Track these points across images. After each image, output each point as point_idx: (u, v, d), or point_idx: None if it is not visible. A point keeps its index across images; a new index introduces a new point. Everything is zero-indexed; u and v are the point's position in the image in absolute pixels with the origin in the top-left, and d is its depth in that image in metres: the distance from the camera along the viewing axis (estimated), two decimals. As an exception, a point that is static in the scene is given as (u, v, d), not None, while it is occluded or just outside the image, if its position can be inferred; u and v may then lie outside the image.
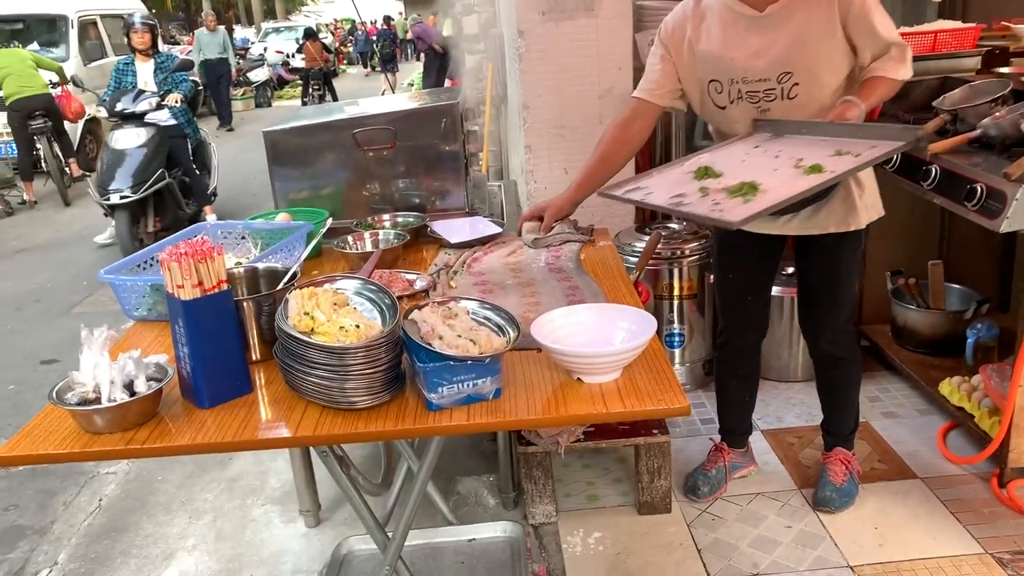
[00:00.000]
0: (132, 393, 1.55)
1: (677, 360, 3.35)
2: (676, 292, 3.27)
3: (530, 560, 2.30)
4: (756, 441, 3.01)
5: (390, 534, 1.89)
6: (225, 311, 1.61)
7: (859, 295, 3.58)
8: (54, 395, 1.55)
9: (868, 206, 2.34)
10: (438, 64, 13.21)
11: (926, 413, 3.14)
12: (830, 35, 2.13)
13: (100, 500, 3.11)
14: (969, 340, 3.03)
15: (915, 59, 3.25)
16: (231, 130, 13.57)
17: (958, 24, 3.41)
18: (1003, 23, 3.67)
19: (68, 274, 6.32)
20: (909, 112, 3.16)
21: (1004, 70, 3.11)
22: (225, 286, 1.60)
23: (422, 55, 15.04)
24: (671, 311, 3.29)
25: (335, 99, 15.93)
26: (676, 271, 3.24)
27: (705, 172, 2.02)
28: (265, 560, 2.65)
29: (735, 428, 2.81)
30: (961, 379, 2.96)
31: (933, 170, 2.68)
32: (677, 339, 3.32)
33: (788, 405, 3.27)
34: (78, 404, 1.53)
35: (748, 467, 2.85)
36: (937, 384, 3.03)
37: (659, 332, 3.29)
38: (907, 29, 3.41)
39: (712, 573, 2.40)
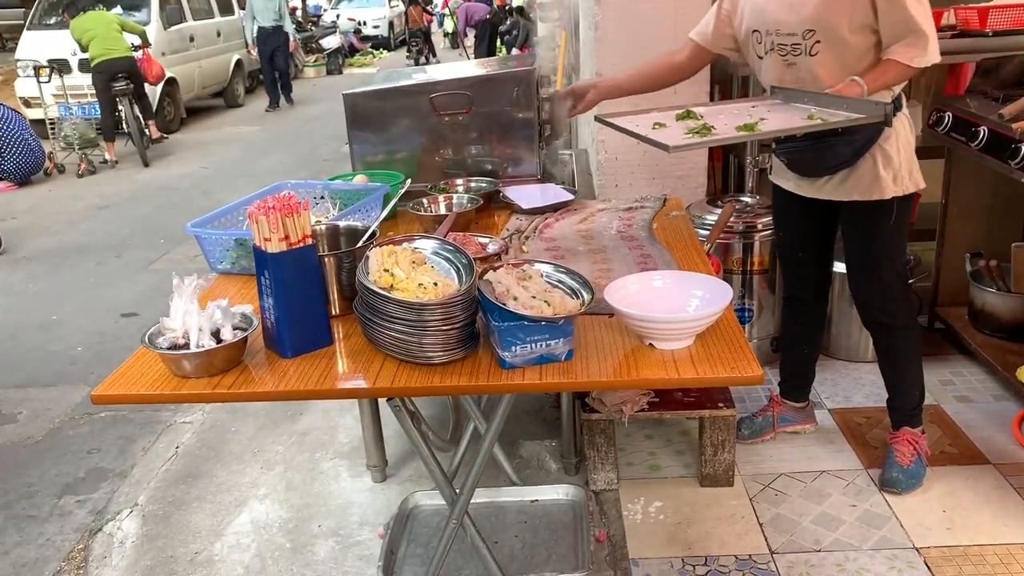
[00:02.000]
0: (219, 340, 1.62)
1: (745, 335, 3.32)
2: (746, 267, 3.24)
3: (592, 524, 2.33)
4: (823, 419, 2.98)
5: (457, 490, 1.94)
6: (309, 265, 1.66)
7: (935, 276, 3.51)
8: (146, 339, 1.63)
9: (894, 178, 2.33)
10: (488, 35, 13.30)
11: (1001, 399, 3.07)
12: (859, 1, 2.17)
13: (177, 447, 3.24)
14: (1051, 326, 2.94)
15: (1007, 33, 3.19)
16: (292, 104, 12.66)
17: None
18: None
19: (146, 231, 6.53)
20: (1000, 88, 3.07)
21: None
22: (310, 241, 1.65)
23: (467, 31, 14.96)
24: (741, 286, 3.26)
25: (434, 55, 18.44)
26: (747, 246, 3.21)
27: (687, 114, 2.28)
28: (333, 511, 2.74)
29: (788, 379, 2.92)
30: (1040, 366, 2.88)
31: (1022, 148, 2.59)
32: (746, 314, 3.29)
33: (857, 385, 3.22)
34: (168, 348, 1.61)
35: (803, 424, 2.92)
36: (1015, 370, 2.95)
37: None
38: (1000, 2, 3.29)
39: (773, 547, 2.40)
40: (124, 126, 8.92)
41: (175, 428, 3.40)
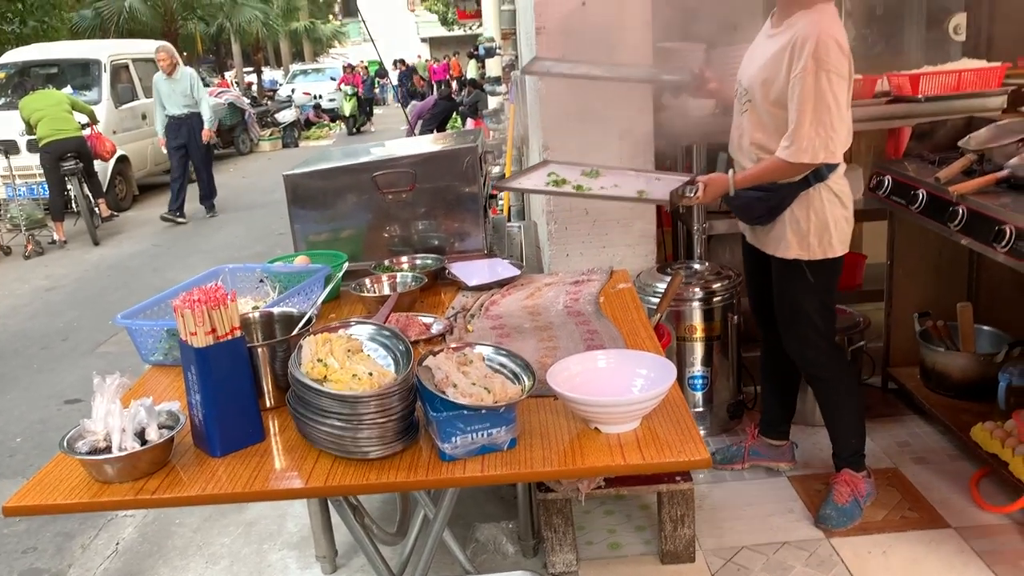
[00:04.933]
0: (144, 441, 1.54)
1: (701, 403, 3.29)
2: (699, 334, 3.22)
3: (549, 611, 2.24)
4: (782, 488, 2.94)
5: (405, 585, 1.85)
6: (238, 358, 1.60)
7: (886, 337, 3.52)
8: (65, 444, 1.54)
9: (799, 243, 2.51)
10: (443, 114, 13.41)
11: (957, 459, 3.05)
12: (783, 71, 2.37)
13: (117, 544, 3.09)
14: (1001, 384, 2.94)
15: (939, 99, 3.28)
16: (213, 214, 9.89)
17: (983, 63, 3.38)
18: (1027, 59, 3.64)
19: (95, 313, 6.37)
20: (935, 152, 3.13)
21: (1031, 109, 3.07)
22: (239, 333, 1.59)
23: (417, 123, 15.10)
24: (694, 353, 3.24)
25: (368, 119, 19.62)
26: (699, 312, 3.20)
27: (592, 173, 2.76)
28: (280, 607, 2.61)
29: (764, 414, 3.04)
30: (994, 424, 2.88)
31: (960, 211, 2.63)
32: (700, 382, 3.26)
33: (815, 450, 3.19)
34: (88, 453, 1.52)
35: (776, 462, 3.02)
36: (969, 429, 2.95)
37: (681, 375, 3.28)
38: (931, 68, 3.39)
39: (737, 626, 2.33)
40: (73, 205, 8.80)
41: (116, 523, 3.25)
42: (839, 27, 2.38)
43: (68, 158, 8.55)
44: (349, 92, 18.91)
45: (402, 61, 25.35)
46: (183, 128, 9.41)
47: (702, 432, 3.30)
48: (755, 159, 2.54)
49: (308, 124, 19.41)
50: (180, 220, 9.54)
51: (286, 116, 17.68)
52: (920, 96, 3.27)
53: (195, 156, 9.62)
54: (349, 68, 21.00)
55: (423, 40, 43.31)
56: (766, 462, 3.03)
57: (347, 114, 19.03)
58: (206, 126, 9.48)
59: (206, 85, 20.38)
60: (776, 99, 2.40)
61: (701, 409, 3.30)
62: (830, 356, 2.68)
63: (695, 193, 2.50)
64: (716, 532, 2.74)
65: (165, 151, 9.71)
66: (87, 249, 8.60)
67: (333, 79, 21.77)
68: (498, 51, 5.62)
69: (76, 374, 5.06)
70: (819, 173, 2.45)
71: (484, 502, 3.01)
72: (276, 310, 1.94)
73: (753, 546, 2.66)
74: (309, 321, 1.83)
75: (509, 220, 4.63)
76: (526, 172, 2.79)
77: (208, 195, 10.02)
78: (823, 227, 2.49)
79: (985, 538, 2.60)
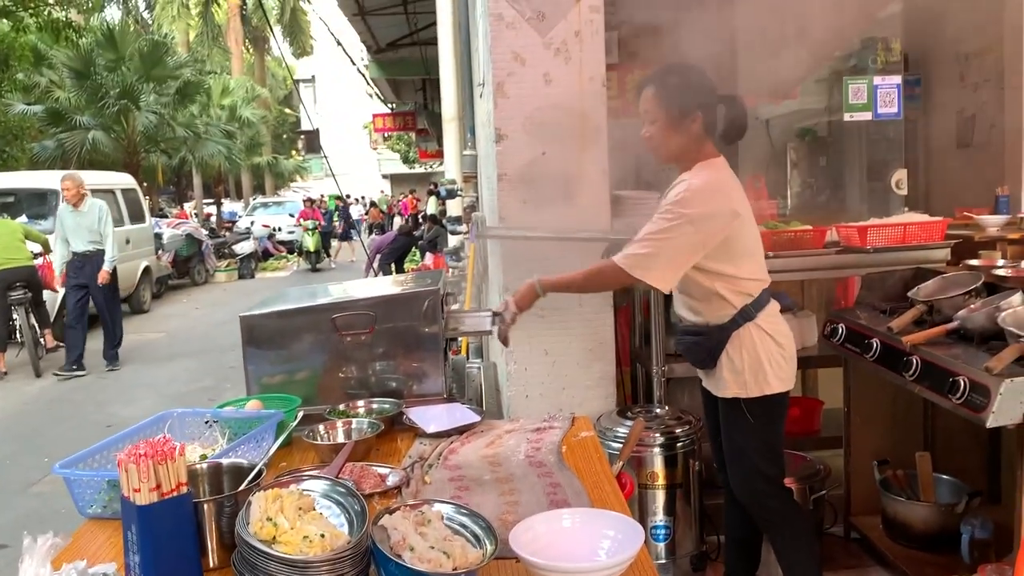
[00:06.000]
0: (73, 609, 1.42)
1: (663, 555, 3.19)
2: (661, 480, 3.16)
3: None
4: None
5: None
6: (183, 516, 1.51)
7: (846, 485, 3.50)
8: (-15, 612, 1.41)
9: (735, 380, 2.57)
10: (402, 249, 13.63)
11: (926, 614, 2.98)
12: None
13: None
14: (964, 537, 2.90)
15: (886, 250, 3.39)
16: (115, 367, 8.65)
17: (925, 216, 3.53)
18: (965, 212, 3.82)
19: (30, 449, 6.09)
20: (884, 301, 3.21)
21: (974, 262, 3.19)
22: (184, 489, 1.51)
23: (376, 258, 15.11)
24: (656, 501, 3.17)
25: (328, 255, 19.35)
26: (661, 459, 3.15)
27: None
28: None
29: (727, 565, 3.01)
30: (960, 579, 2.83)
31: (914, 361, 2.67)
32: (663, 532, 3.17)
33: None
34: (10, 624, 1.39)
35: None
36: (935, 583, 2.89)
37: (643, 524, 3.18)
38: (877, 221, 3.53)
39: None
40: (18, 336, 8.58)
41: None
42: (715, 177, 2.52)
43: (17, 287, 8.41)
44: (310, 227, 18.58)
45: (337, 197, 24.45)
46: (87, 267, 8.34)
47: (666, 586, 3.20)
48: (688, 308, 2.67)
49: (266, 255, 19.50)
50: (79, 373, 8.39)
51: (244, 248, 17.79)
52: (869, 247, 3.38)
53: (97, 298, 8.48)
54: (309, 203, 20.85)
55: (384, 176, 44.47)
56: None
57: (311, 249, 18.49)
58: (105, 266, 8.32)
59: (164, 216, 20.59)
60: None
61: (664, 561, 3.19)
62: (777, 498, 2.68)
63: (506, 311, 2.64)
64: None
65: (60, 291, 8.72)
66: (29, 380, 8.33)
67: (292, 215, 21.77)
68: (459, 192, 5.74)
69: (7, 516, 4.77)
70: (746, 313, 2.54)
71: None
72: (225, 461, 1.85)
73: None
74: (259, 474, 1.74)
75: (468, 359, 4.60)
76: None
77: (112, 343, 8.75)
78: (757, 365, 2.54)
79: None
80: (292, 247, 20.29)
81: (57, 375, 8.33)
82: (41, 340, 8.80)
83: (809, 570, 2.68)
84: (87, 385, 8.13)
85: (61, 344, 9.68)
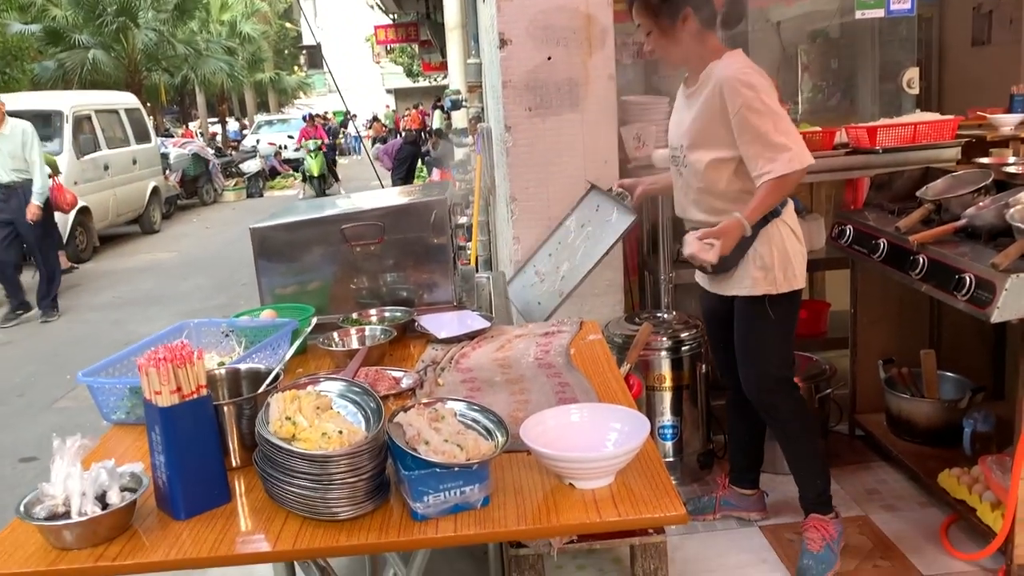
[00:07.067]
0: (104, 505, 1.49)
1: (671, 453, 3.28)
2: (668, 383, 3.22)
3: (523, 672, 2.19)
4: (754, 537, 2.92)
5: (375, 649, 1.80)
6: (204, 418, 1.56)
7: (852, 384, 3.56)
8: (21, 508, 1.48)
9: (765, 277, 2.55)
10: (409, 159, 13.50)
11: (927, 506, 3.07)
12: (715, 120, 2.47)
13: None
14: (966, 430, 2.98)
15: (896, 150, 3.36)
16: (51, 318, 7.61)
17: (936, 116, 3.48)
18: (978, 112, 3.76)
19: (52, 367, 6.23)
20: (893, 202, 3.20)
21: (984, 160, 3.16)
22: (204, 391, 1.56)
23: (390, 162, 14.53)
24: (663, 403, 3.24)
25: (336, 179, 17.27)
26: (668, 361, 3.21)
27: None
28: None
29: (732, 464, 3.06)
30: (961, 471, 2.90)
31: (920, 260, 2.68)
32: (670, 432, 3.25)
33: (784, 499, 3.18)
34: (47, 518, 1.46)
35: (748, 512, 3.02)
36: (936, 476, 2.97)
37: (651, 425, 3.24)
38: (887, 121, 3.48)
39: None
40: (31, 258, 8.64)
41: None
42: (753, 64, 2.50)
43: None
44: (312, 147, 16.24)
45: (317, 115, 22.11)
46: (12, 199, 7.14)
47: (674, 482, 3.30)
48: (707, 207, 2.62)
49: (273, 174, 19.34)
50: (18, 313, 7.55)
51: (251, 166, 17.65)
52: (878, 148, 3.35)
53: (27, 237, 7.33)
54: (310, 119, 18.76)
55: (388, 91, 43.77)
56: (737, 512, 3.02)
57: (315, 173, 16.05)
58: (33, 199, 7.09)
59: (169, 136, 20.36)
60: (719, 145, 2.49)
61: (672, 459, 3.29)
62: (786, 394, 2.71)
63: (710, 252, 2.43)
64: (690, 585, 2.72)
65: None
66: (46, 302, 8.42)
67: (291, 136, 20.48)
68: (464, 103, 5.67)
69: (32, 431, 4.92)
70: (774, 209, 2.53)
71: (455, 558, 2.95)
72: (243, 366, 1.90)
73: (727, 599, 2.64)
74: (277, 377, 1.79)
75: (477, 271, 4.63)
76: None
77: (47, 290, 7.60)
78: (785, 260, 2.56)
79: (956, 586, 2.60)
80: (297, 165, 19.70)
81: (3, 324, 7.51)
82: (55, 263, 8.84)
83: (818, 465, 2.74)
84: (103, 303, 8.24)
85: (76, 265, 9.82)
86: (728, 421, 3.08)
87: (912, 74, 3.92)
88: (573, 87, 3.39)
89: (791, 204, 2.62)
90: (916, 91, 3.95)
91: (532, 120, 3.40)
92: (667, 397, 3.23)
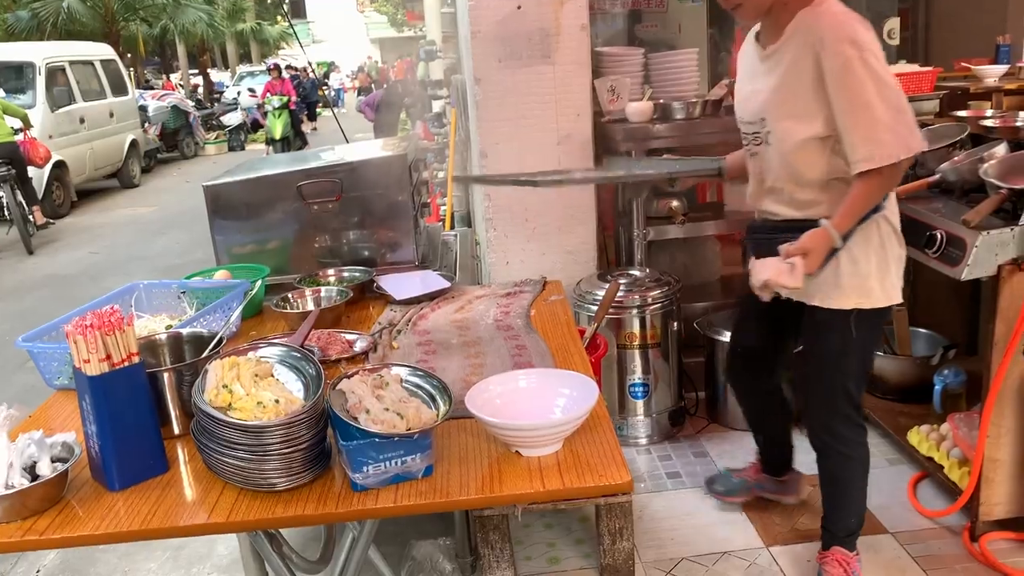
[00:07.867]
0: (34, 477, 1.44)
1: (641, 411, 3.25)
2: (638, 341, 3.18)
3: (483, 634, 2.18)
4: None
5: (326, 616, 1.77)
6: (137, 386, 1.50)
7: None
8: (-53, 482, 1.43)
9: (859, 287, 2.10)
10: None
11: (896, 463, 3.06)
12: (807, 88, 1.98)
13: (38, 571, 2.95)
14: (937, 387, 2.96)
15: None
16: None
17: (915, 67, 3.40)
18: (963, 64, 3.68)
19: (27, 325, 6.13)
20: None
21: (962, 113, 3.09)
22: (136, 359, 1.50)
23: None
24: (634, 361, 3.20)
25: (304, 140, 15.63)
26: (638, 319, 3.16)
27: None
28: (207, 636, 2.50)
29: (767, 458, 2.80)
30: (930, 428, 2.89)
31: (893, 217, 2.62)
32: (640, 390, 3.22)
33: (743, 453, 3.16)
34: (-29, 491, 1.42)
35: (781, 495, 2.81)
36: (906, 433, 2.96)
37: (622, 383, 3.24)
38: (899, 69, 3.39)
39: (676, 642, 2.28)
40: (6, 213, 8.51)
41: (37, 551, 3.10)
42: (855, 15, 1.99)
43: (0, 164, 8.27)
44: (277, 104, 13.44)
45: (285, 67, 16.97)
46: None
47: (644, 441, 3.29)
48: (789, 199, 2.16)
49: (256, 126, 19.01)
50: None
51: (232, 119, 17.38)
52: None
53: None
54: (275, 70, 14.53)
55: (373, 41, 43.01)
56: (772, 495, 2.80)
57: (276, 136, 13.41)
58: None
59: (150, 88, 19.95)
60: (811, 116, 2.01)
61: (642, 417, 3.26)
62: (851, 427, 2.28)
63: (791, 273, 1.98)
64: (656, 543, 2.71)
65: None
66: (21, 258, 8.33)
67: (253, 90, 18.22)
68: (439, 54, 5.54)
69: (5, 392, 4.86)
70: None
71: (420, 520, 2.93)
72: (186, 331, 1.84)
73: (693, 557, 2.63)
74: (220, 342, 1.74)
75: (453, 227, 4.57)
76: None
77: None
78: (884, 267, 2.10)
79: (922, 543, 2.60)
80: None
81: None
82: (30, 217, 8.74)
83: (858, 506, 2.38)
84: (80, 259, 8.14)
85: (52, 221, 9.67)
86: (752, 417, 2.75)
87: (893, 24, 3.82)
88: (544, 37, 3.29)
89: (893, 197, 2.15)
90: (896, 42, 3.86)
91: (502, 72, 3.30)
92: (637, 355, 3.19)
